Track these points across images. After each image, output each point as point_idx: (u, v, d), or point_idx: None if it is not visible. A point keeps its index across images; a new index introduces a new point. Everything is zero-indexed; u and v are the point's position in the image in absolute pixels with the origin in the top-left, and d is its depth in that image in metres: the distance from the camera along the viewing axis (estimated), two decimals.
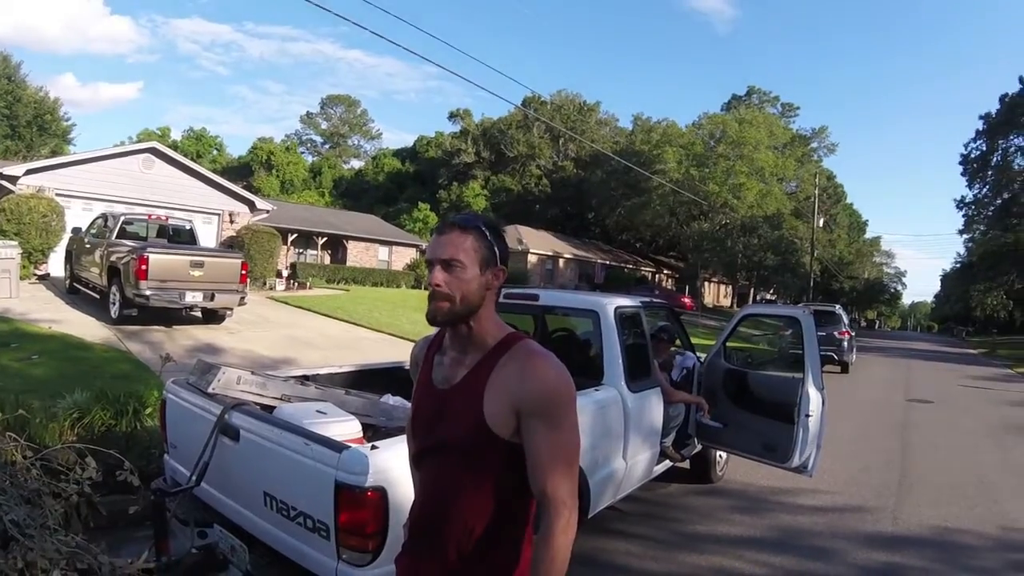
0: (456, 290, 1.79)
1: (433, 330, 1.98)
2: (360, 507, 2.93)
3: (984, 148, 52.66)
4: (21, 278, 15.92)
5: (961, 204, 55.58)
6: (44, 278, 18.83)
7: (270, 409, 4.12)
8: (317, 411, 3.99)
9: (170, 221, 16.65)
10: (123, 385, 7.40)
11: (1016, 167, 50.24)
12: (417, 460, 2.00)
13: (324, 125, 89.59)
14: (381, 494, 2.93)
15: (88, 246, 15.37)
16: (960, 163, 54.69)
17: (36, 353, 10.00)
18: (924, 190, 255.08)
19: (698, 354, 7.42)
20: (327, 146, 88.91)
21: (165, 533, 3.58)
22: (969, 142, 54.27)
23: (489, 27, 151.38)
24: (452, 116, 75.82)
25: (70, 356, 10.18)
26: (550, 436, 1.72)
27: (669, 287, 58.78)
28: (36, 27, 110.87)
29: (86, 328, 12.52)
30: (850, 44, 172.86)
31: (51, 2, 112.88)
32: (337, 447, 3.13)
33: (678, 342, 7.31)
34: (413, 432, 2.01)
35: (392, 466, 2.97)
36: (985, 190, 53.53)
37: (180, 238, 16.10)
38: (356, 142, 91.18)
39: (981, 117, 52.56)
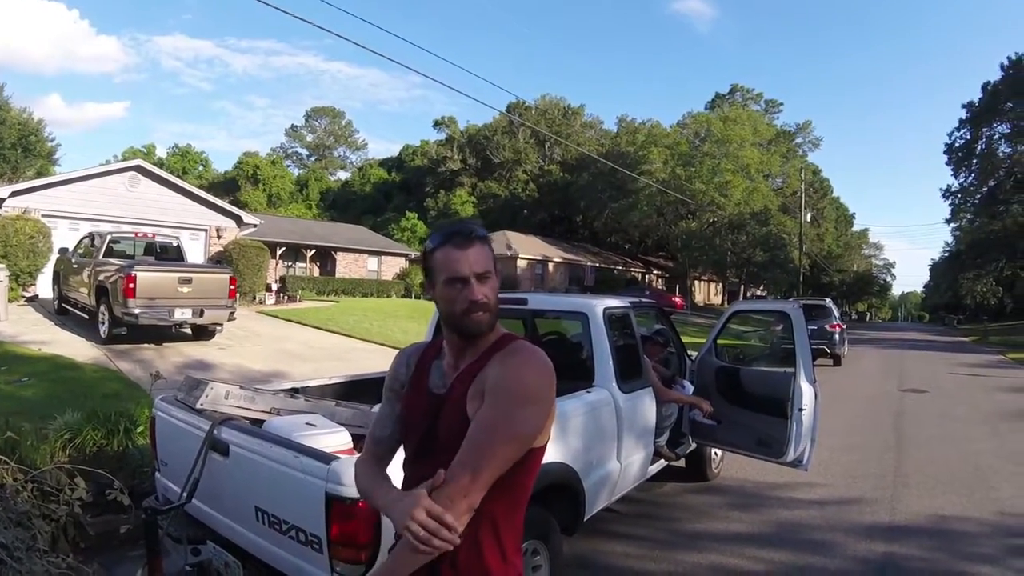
0: (492, 300, 1.83)
1: (423, 340, 1.96)
2: (351, 518, 2.90)
3: (968, 137, 52.92)
4: (9, 300, 15.86)
5: (947, 193, 55.87)
6: (32, 300, 18.77)
7: (260, 423, 4.09)
8: (307, 423, 3.97)
9: (157, 238, 16.62)
10: (114, 404, 7.35)
11: (1000, 154, 50.55)
12: (410, 463, 1.97)
13: (309, 137, 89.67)
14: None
15: (75, 266, 15.32)
16: (945, 152, 55.01)
17: (26, 375, 9.94)
18: (910, 181, 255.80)
19: (689, 353, 7.43)
20: (313, 158, 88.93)
21: (158, 551, 3.56)
22: (953, 131, 54.62)
23: (472, 35, 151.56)
24: (437, 124, 75.88)
25: (60, 377, 10.13)
26: (486, 414, 1.72)
27: (660, 287, 58.85)
28: (21, 48, 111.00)
29: (76, 348, 12.46)
30: (830, 37, 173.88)
31: (37, 24, 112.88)
32: (326, 458, 3.10)
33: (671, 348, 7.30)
34: (406, 437, 1.99)
35: None
36: (971, 178, 53.78)
37: (168, 255, 16.05)
38: (342, 153, 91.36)
39: (964, 106, 52.86)
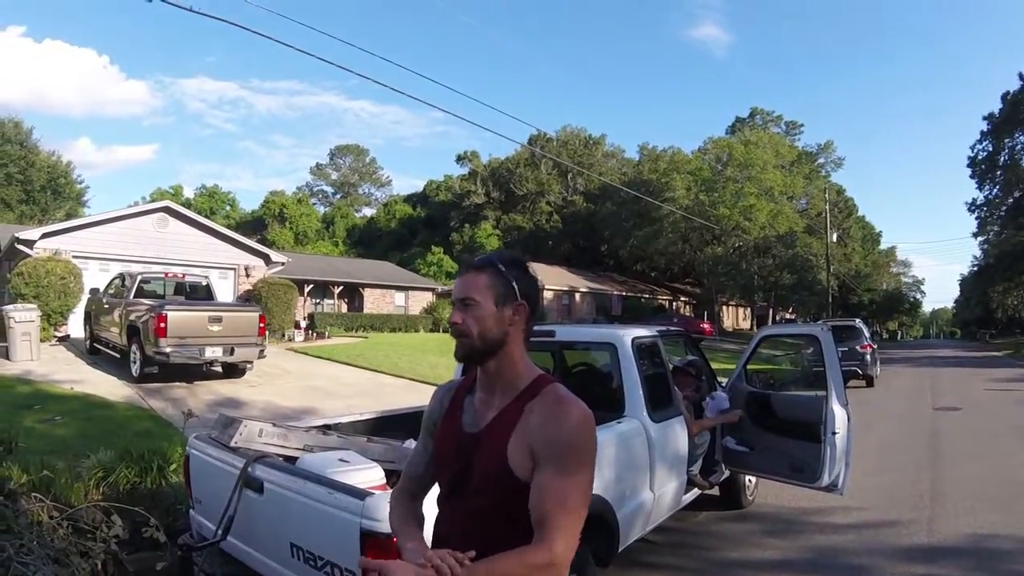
0: (473, 326, 1.81)
1: (451, 375, 1.96)
2: (386, 553, 2.89)
3: (991, 148, 52.24)
4: (41, 340, 16.05)
5: (973, 206, 55.18)
6: (64, 339, 18.97)
7: (293, 460, 4.12)
8: (340, 460, 3.98)
9: (187, 278, 16.82)
10: (147, 442, 7.40)
11: None
12: (443, 501, 1.97)
13: (334, 175, 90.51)
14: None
15: (107, 306, 15.52)
16: (968, 165, 54.40)
17: (59, 414, 10.04)
18: (935, 195, 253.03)
19: (719, 379, 7.38)
20: (338, 196, 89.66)
21: None
22: (975, 143, 53.95)
23: (490, 69, 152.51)
24: (460, 159, 76.17)
25: (93, 416, 10.22)
26: (557, 485, 1.69)
27: (687, 314, 58.54)
28: (53, 93, 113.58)
29: (108, 387, 12.59)
30: (846, 55, 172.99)
31: (68, 69, 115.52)
32: (360, 494, 3.12)
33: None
34: (439, 473, 1.99)
35: None
36: (996, 190, 53.02)
37: (197, 294, 16.25)
38: (366, 190, 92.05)
39: (985, 117, 52.22)
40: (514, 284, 1.86)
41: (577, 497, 1.70)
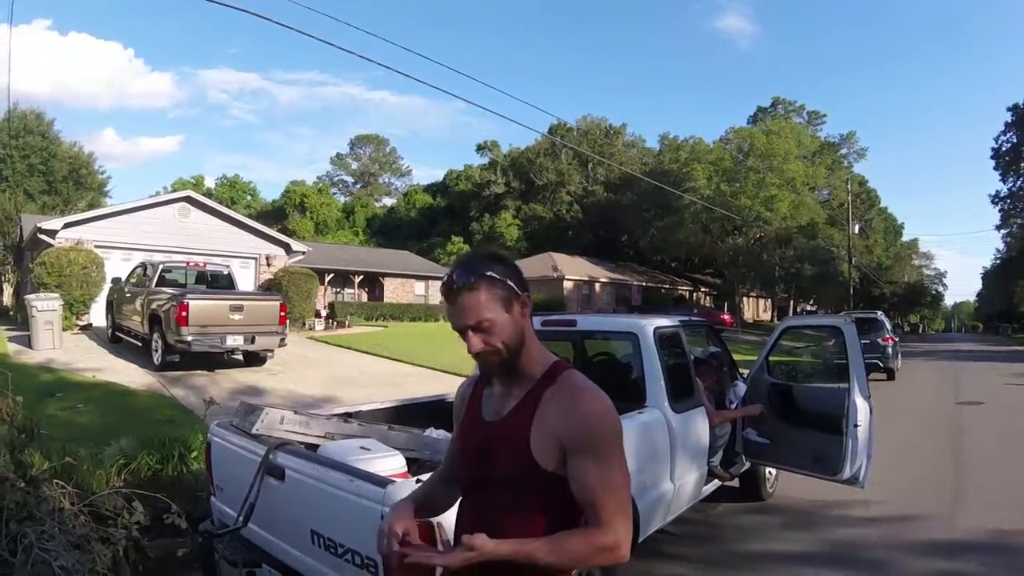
0: (498, 342, 1.77)
1: (471, 365, 1.94)
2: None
3: (1015, 140, 51.64)
4: (64, 329, 16.19)
5: (996, 199, 54.60)
6: (86, 328, 19.09)
7: (314, 448, 4.12)
8: (361, 447, 3.98)
9: (208, 267, 16.89)
10: (168, 430, 7.47)
11: None
12: (465, 491, 1.99)
13: (354, 165, 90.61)
14: (428, 528, 2.90)
15: (128, 295, 15.62)
16: (992, 157, 53.80)
17: (81, 402, 10.13)
18: (960, 188, 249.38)
19: (741, 371, 7.34)
20: (358, 186, 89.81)
21: (214, 574, 3.59)
22: (999, 135, 53.42)
23: (511, 58, 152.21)
24: (480, 148, 76.24)
25: (115, 404, 10.31)
26: (599, 473, 1.69)
27: (708, 304, 58.26)
28: (79, 86, 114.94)
29: (130, 375, 12.68)
30: (869, 45, 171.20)
31: (95, 62, 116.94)
32: (382, 482, 3.12)
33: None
34: (461, 465, 1.99)
35: None
36: (1020, 182, 52.42)
37: (219, 283, 16.35)
38: (387, 180, 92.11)
39: (1009, 108, 51.63)
40: (508, 281, 1.79)
41: (621, 479, 1.72)
